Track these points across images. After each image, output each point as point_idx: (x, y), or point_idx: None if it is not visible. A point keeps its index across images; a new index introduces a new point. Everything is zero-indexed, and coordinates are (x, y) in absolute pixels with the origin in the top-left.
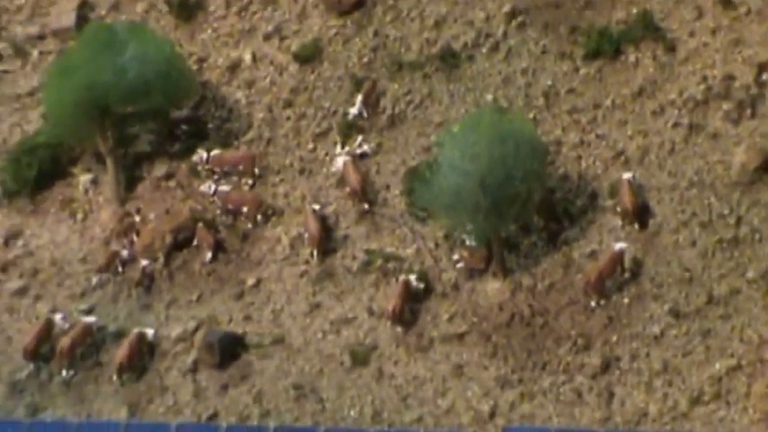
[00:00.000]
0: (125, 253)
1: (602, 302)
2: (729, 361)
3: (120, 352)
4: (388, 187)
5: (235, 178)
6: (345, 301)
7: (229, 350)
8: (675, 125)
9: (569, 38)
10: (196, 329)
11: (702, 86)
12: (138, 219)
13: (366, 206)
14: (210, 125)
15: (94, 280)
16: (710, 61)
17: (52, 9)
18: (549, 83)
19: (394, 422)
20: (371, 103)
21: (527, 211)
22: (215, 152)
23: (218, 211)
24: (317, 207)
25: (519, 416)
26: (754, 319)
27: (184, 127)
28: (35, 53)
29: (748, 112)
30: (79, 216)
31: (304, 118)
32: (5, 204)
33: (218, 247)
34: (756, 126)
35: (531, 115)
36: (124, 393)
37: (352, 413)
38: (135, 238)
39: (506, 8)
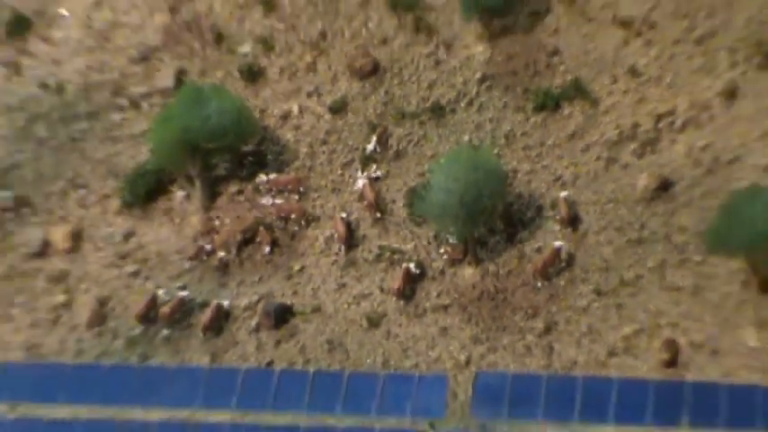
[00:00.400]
0: (208, 247)
1: (546, 284)
2: (635, 326)
3: (205, 317)
4: (394, 201)
5: (286, 194)
6: (363, 282)
7: (281, 316)
8: (597, 158)
9: (523, 96)
10: (258, 301)
11: (617, 131)
12: (217, 223)
13: (378, 215)
14: (269, 157)
15: (186, 266)
16: (622, 113)
17: (157, 74)
18: (509, 128)
19: (398, 367)
20: (383, 141)
21: (492, 218)
22: (272, 176)
23: (274, 218)
24: (344, 215)
25: (486, 364)
26: (653, 297)
27: (250, 158)
28: (145, 105)
29: (649, 149)
30: (176, 221)
31: (335, 152)
32: (125, 212)
33: (274, 244)
34: (655, 159)
35: (495, 151)
36: (207, 346)
37: (368, 361)
38: (215, 236)
39: (478, 75)
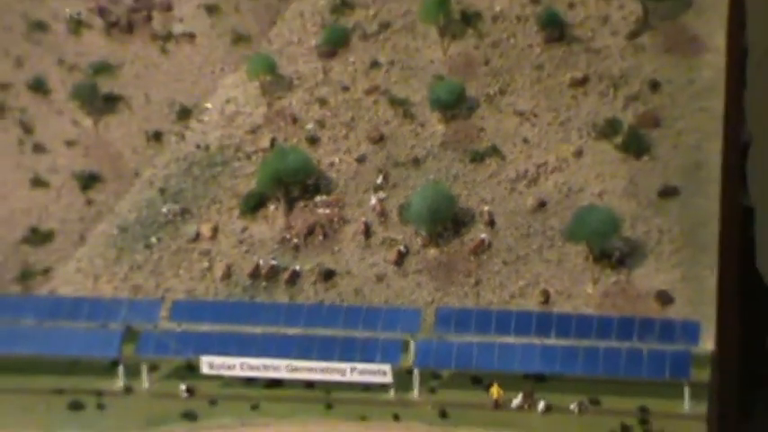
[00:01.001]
0: (288, 237)
1: (475, 258)
2: (525, 282)
3: (286, 275)
4: (392, 212)
5: (331, 207)
6: (374, 257)
7: (328, 276)
8: (505, 188)
9: (464, 154)
10: (315, 267)
11: (515, 173)
12: (293, 223)
13: (383, 219)
14: (321, 186)
15: (276, 247)
16: (519, 164)
17: (260, 140)
18: (455, 171)
19: (394, 304)
20: (386, 178)
21: (446, 222)
22: (324, 197)
23: (325, 221)
24: (364, 219)
25: (443, 303)
26: (536, 266)
27: (311, 187)
28: (254, 158)
29: (533, 183)
30: (270, 222)
31: (359, 184)
32: (242, 216)
33: (325, 235)
34: (537, 189)
35: (448, 185)
36: (287, 292)
37: (376, 300)
38: (292, 231)
39: (439, 141)
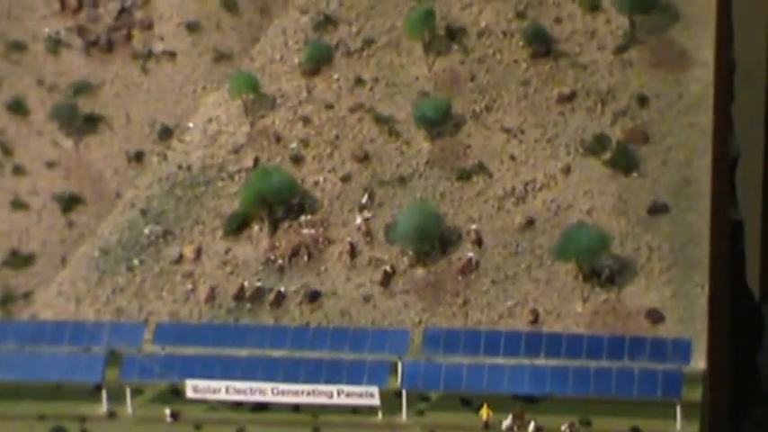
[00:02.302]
0: (272, 257)
1: (463, 278)
2: (514, 301)
3: (271, 297)
4: (377, 232)
5: (316, 228)
6: (360, 277)
7: (314, 297)
8: (492, 206)
9: (450, 172)
10: (300, 288)
11: (502, 191)
12: (277, 244)
13: (369, 239)
14: (306, 206)
15: (260, 268)
16: (506, 182)
17: (243, 160)
18: (442, 189)
19: (380, 326)
20: (371, 197)
21: (433, 241)
22: (308, 217)
23: (310, 241)
24: (350, 239)
25: (430, 323)
26: (524, 285)
27: (296, 207)
28: (236, 177)
29: (521, 201)
30: (254, 242)
31: (344, 204)
32: (225, 237)
33: (310, 256)
34: (525, 207)
35: (435, 203)
36: (272, 314)
37: (363, 322)
38: (276, 251)
39: (425, 159)
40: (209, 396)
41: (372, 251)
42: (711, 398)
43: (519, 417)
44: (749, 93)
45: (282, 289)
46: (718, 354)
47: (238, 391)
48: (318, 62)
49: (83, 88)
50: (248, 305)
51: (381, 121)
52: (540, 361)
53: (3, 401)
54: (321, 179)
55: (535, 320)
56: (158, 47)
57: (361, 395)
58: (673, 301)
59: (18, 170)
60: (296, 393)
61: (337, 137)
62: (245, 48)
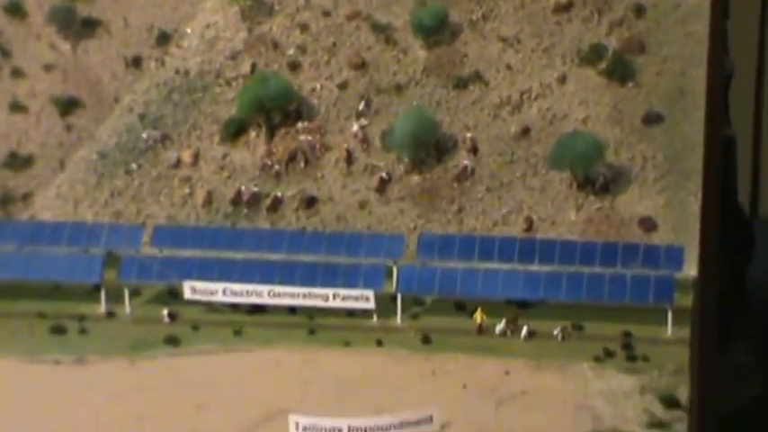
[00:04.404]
0: (269, 163)
1: (458, 185)
2: (508, 209)
3: (267, 202)
4: (374, 139)
5: (313, 134)
6: (357, 183)
7: (310, 202)
8: (488, 115)
9: (447, 80)
10: (297, 193)
11: (499, 100)
12: (274, 150)
13: (365, 146)
14: (303, 113)
15: (257, 173)
16: (502, 90)
17: (241, 66)
18: (438, 98)
19: (377, 232)
20: (368, 105)
21: (429, 148)
22: (305, 123)
23: (307, 147)
24: (346, 146)
25: (425, 229)
26: (519, 193)
27: (293, 113)
28: (234, 83)
29: (517, 110)
30: (251, 148)
31: (341, 110)
32: (222, 143)
33: (306, 162)
34: (521, 116)
35: (432, 111)
36: (268, 218)
37: (359, 226)
38: (273, 157)
39: (421, 67)
40: (207, 298)
41: (369, 158)
42: (701, 308)
43: (512, 321)
44: (743, 10)
45: (279, 194)
46: (709, 264)
47: (235, 293)
48: None
49: None
50: (245, 210)
51: (378, 28)
52: (534, 267)
53: (3, 300)
54: (318, 86)
55: (529, 228)
56: None
57: (356, 298)
58: (666, 209)
59: (16, 72)
60: (292, 296)
61: (334, 44)
62: None
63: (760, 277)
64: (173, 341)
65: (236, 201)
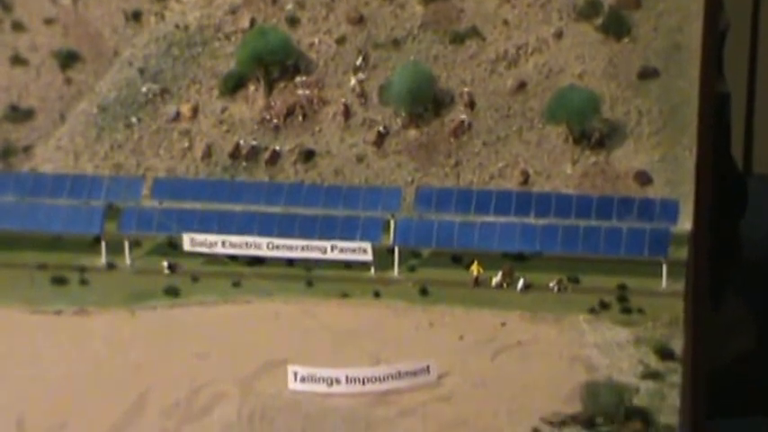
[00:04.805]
0: (268, 117)
1: (455, 140)
2: (504, 162)
3: (266, 155)
4: (371, 94)
5: (311, 88)
6: (354, 137)
7: (308, 156)
8: (485, 70)
9: (443, 35)
10: (295, 147)
11: (495, 55)
12: (272, 104)
13: (363, 100)
14: (302, 67)
15: (256, 127)
16: (498, 45)
17: (240, 20)
18: (435, 53)
19: (374, 184)
20: (366, 59)
21: (426, 102)
22: (304, 78)
23: (305, 101)
24: (344, 100)
25: (422, 183)
26: (515, 146)
27: (291, 68)
28: (233, 38)
29: (513, 65)
30: (250, 102)
31: (339, 65)
32: (221, 97)
33: (305, 116)
34: (517, 71)
35: (428, 65)
36: (267, 172)
37: (356, 181)
38: (272, 111)
39: (418, 23)
40: (206, 249)
41: (366, 112)
42: (695, 261)
43: (508, 274)
44: None
45: (277, 148)
46: (704, 218)
47: (234, 245)
48: None
49: None
50: (244, 163)
51: None
52: (530, 220)
53: (4, 251)
54: (316, 41)
55: (525, 181)
56: None
57: (354, 251)
58: (661, 163)
59: (17, 26)
60: (291, 248)
61: None
62: None
63: (752, 232)
64: (172, 292)
65: (235, 154)
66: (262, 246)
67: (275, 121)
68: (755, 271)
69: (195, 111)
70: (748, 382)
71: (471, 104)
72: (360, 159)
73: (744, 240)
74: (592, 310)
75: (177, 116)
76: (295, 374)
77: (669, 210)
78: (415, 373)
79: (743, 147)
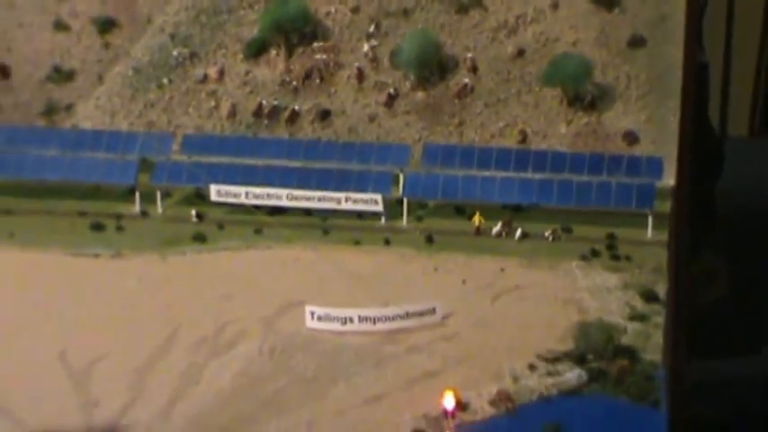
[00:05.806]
0: (288, 79)
1: (459, 101)
2: (504, 122)
3: (286, 114)
4: (383, 58)
5: (328, 53)
6: (367, 98)
7: (325, 115)
8: (487, 38)
9: (449, 5)
10: (313, 107)
11: (496, 24)
12: (292, 67)
13: (375, 64)
14: (319, 34)
15: (277, 88)
16: (499, 16)
17: None
18: (442, 22)
19: (385, 142)
20: (378, 27)
21: (433, 67)
22: (321, 43)
23: (322, 65)
24: (357, 65)
25: (429, 140)
26: (514, 108)
27: (310, 34)
28: (256, 7)
29: (512, 34)
30: (271, 66)
31: (353, 32)
32: (245, 61)
33: (322, 79)
34: (516, 39)
35: (435, 33)
36: (287, 130)
37: (369, 138)
38: (291, 74)
39: None
40: (231, 200)
41: (378, 75)
42: (678, 214)
43: (507, 224)
44: None
45: (297, 107)
46: (686, 175)
47: (257, 196)
48: None
49: None
50: (266, 121)
51: None
52: (528, 174)
53: (48, 199)
54: (333, 9)
55: (523, 140)
56: None
57: (366, 201)
58: (647, 124)
59: None
60: (308, 199)
61: None
62: None
63: (727, 190)
64: (200, 238)
65: (258, 113)
66: (282, 197)
67: (294, 83)
68: (729, 224)
69: (221, 73)
70: (724, 323)
71: (474, 69)
72: (372, 119)
73: (720, 197)
74: (583, 258)
75: (205, 78)
76: (312, 314)
77: (654, 167)
78: (421, 314)
79: (719, 113)
